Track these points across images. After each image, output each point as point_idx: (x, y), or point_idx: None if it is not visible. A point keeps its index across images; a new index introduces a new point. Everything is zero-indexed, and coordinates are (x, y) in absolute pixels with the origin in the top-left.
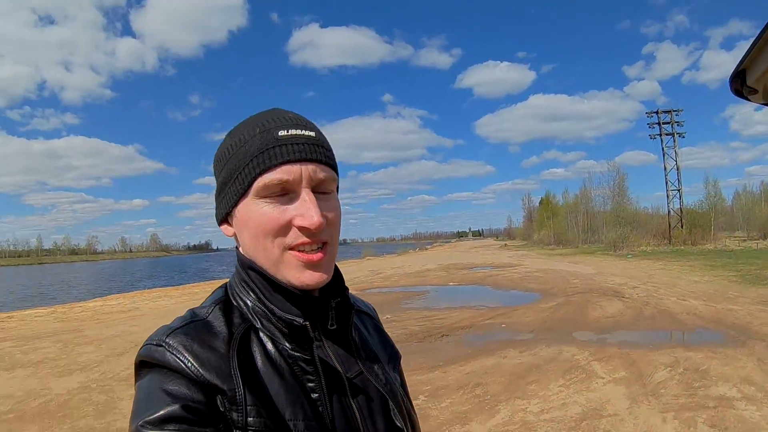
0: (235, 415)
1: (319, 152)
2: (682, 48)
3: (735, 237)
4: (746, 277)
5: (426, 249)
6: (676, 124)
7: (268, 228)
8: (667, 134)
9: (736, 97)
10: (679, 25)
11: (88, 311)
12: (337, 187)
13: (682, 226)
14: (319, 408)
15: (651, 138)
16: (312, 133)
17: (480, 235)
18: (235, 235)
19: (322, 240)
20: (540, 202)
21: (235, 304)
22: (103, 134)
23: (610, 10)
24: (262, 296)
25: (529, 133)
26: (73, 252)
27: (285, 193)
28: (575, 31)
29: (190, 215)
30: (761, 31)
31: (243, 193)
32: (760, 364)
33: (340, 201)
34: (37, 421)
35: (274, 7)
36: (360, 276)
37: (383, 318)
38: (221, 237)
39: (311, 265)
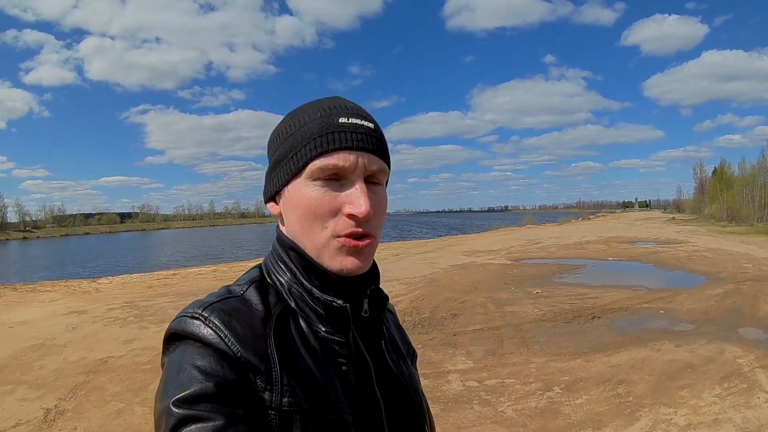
0: (268, 395)
1: (376, 144)
2: None
3: None
4: None
5: (589, 219)
6: None
7: (317, 211)
8: None
9: None
10: None
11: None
12: (387, 181)
13: None
14: (351, 393)
15: None
16: (371, 125)
17: (647, 206)
18: (280, 214)
19: (367, 231)
20: (713, 173)
21: (270, 282)
22: (268, 107)
23: None
24: (300, 276)
25: (702, 94)
26: (243, 215)
27: (338, 179)
28: None
29: None
30: None
31: (296, 174)
32: None
33: (502, 168)
34: None
35: None
36: (516, 245)
37: (533, 293)
38: (389, 203)
39: (354, 252)
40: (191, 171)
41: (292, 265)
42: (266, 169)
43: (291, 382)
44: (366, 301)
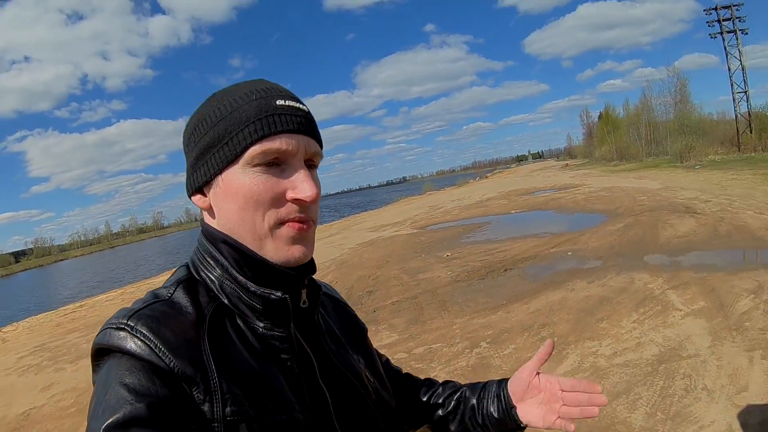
0: (208, 407)
1: (313, 127)
2: None
3: None
4: None
5: (486, 177)
6: (737, 20)
7: (259, 198)
8: (728, 32)
9: None
10: None
11: (157, 287)
12: None
13: (751, 131)
14: (296, 389)
15: (711, 37)
16: (306, 108)
17: (540, 157)
18: (209, 207)
19: (310, 216)
20: (599, 117)
21: (200, 280)
22: (152, 113)
23: None
24: (233, 270)
25: (581, 45)
26: (141, 230)
27: (278, 163)
28: None
29: None
30: None
31: (232, 160)
32: None
33: (395, 140)
34: None
35: None
36: (420, 213)
37: (444, 256)
38: None
39: (301, 239)
40: (80, 193)
41: (223, 259)
42: (188, 160)
43: (232, 389)
44: (304, 291)
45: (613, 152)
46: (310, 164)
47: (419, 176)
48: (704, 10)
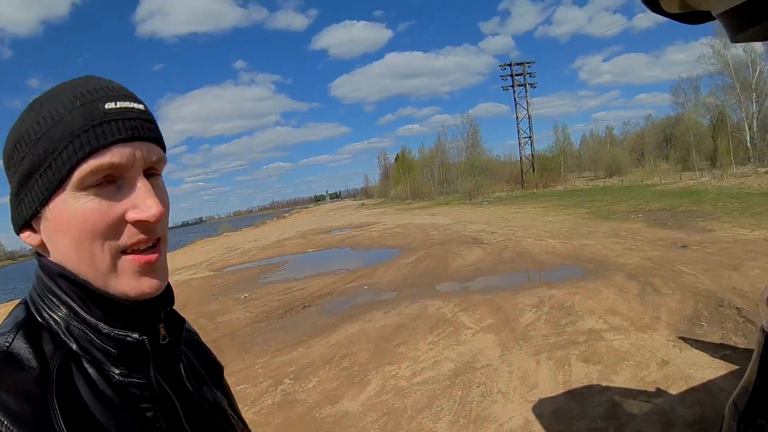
0: None
1: (151, 129)
2: (537, 3)
3: (583, 177)
4: (597, 213)
5: (284, 217)
6: (528, 75)
7: (95, 228)
8: (519, 85)
9: (646, 6)
10: None
11: None
12: None
13: (533, 171)
14: None
15: (504, 89)
16: (141, 106)
17: (338, 197)
18: (41, 244)
19: (157, 235)
20: (396, 158)
21: (42, 322)
22: None
23: None
24: (79, 310)
25: (384, 91)
26: None
27: (111, 181)
28: None
29: None
30: None
31: (59, 186)
32: (621, 293)
33: (194, 179)
34: None
35: None
36: (216, 255)
37: (241, 298)
38: None
39: (149, 269)
40: None
41: (66, 297)
42: (11, 189)
43: None
44: (162, 326)
45: (407, 191)
46: (152, 173)
47: (216, 216)
48: (500, 65)
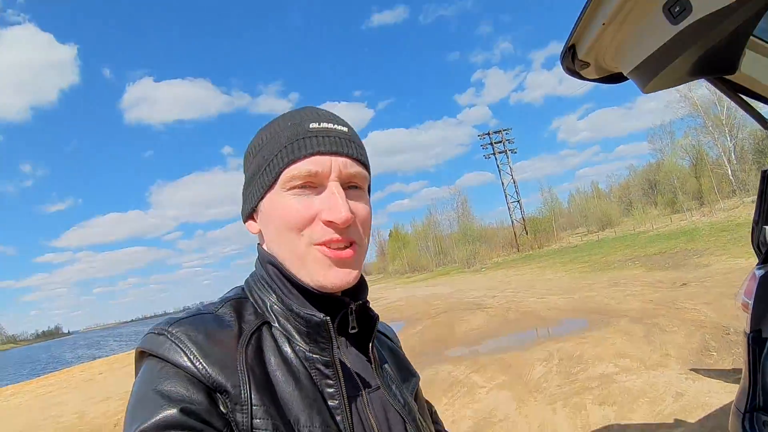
0: (239, 416)
1: (351, 147)
2: (508, 72)
3: (577, 233)
4: (595, 265)
5: None
6: (507, 142)
7: (292, 221)
8: (500, 152)
9: (570, 76)
10: (504, 52)
11: None
12: (369, 189)
13: (526, 233)
14: (338, 417)
15: (486, 158)
16: (345, 128)
17: None
18: (260, 232)
19: (350, 239)
20: (389, 235)
21: (251, 301)
22: None
23: (439, 44)
24: (281, 293)
25: (371, 169)
26: None
27: (313, 186)
28: (407, 66)
29: (34, 298)
30: (585, 4)
31: (270, 186)
32: (628, 337)
33: (191, 264)
34: None
35: (105, 62)
36: None
37: None
38: (72, 319)
39: (339, 263)
40: None
41: (272, 281)
42: (243, 188)
43: (264, 402)
44: (352, 318)
45: (405, 265)
46: (353, 185)
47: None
48: (479, 135)
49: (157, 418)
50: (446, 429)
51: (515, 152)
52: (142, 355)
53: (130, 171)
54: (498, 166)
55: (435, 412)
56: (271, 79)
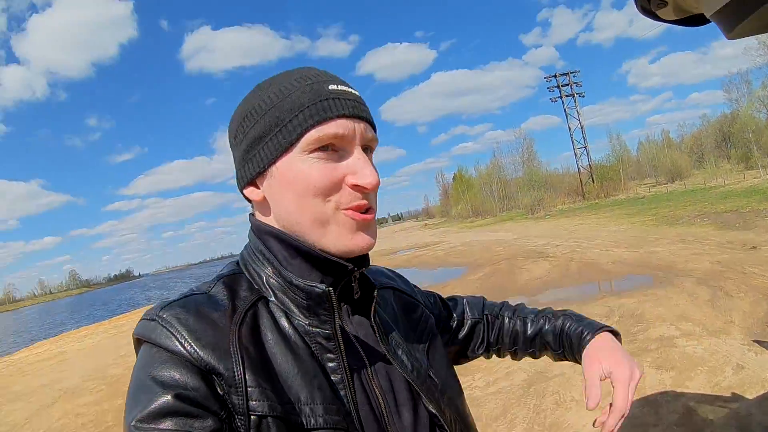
0: (235, 399)
1: (367, 112)
2: (575, 11)
3: (645, 184)
4: (662, 219)
5: None
6: (574, 85)
7: (320, 184)
8: (567, 96)
9: (644, 16)
10: None
11: (14, 365)
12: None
13: (593, 181)
14: (341, 391)
15: (552, 101)
16: (357, 92)
17: (400, 218)
18: (263, 199)
19: (371, 204)
20: (453, 178)
21: (247, 276)
22: (0, 173)
23: None
24: (279, 266)
25: (435, 111)
26: None
27: (336, 149)
28: (470, 5)
29: (106, 245)
30: None
31: (287, 148)
32: (692, 299)
33: None
34: None
35: (162, 14)
36: None
37: None
38: (142, 263)
39: (364, 227)
40: None
41: (270, 254)
42: (237, 153)
43: (260, 382)
44: (355, 285)
45: (468, 210)
46: (367, 150)
47: None
48: (545, 78)
49: (153, 405)
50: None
51: (583, 96)
52: (138, 342)
53: (194, 119)
54: (565, 110)
55: (451, 298)
56: (330, 21)
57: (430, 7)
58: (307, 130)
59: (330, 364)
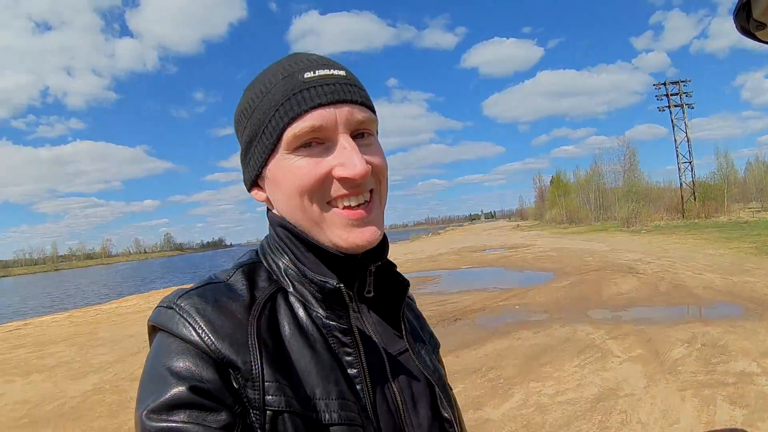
0: (251, 393)
1: (353, 92)
2: (690, 16)
3: (749, 208)
4: (763, 248)
5: (438, 233)
6: (684, 95)
7: (304, 184)
8: (675, 106)
9: (741, 35)
10: None
11: (104, 314)
12: (377, 131)
13: (695, 199)
14: (357, 386)
15: (660, 110)
16: (342, 72)
17: (492, 216)
18: (267, 200)
19: (367, 188)
20: (551, 181)
21: (265, 265)
22: (109, 137)
23: None
24: (294, 257)
25: (538, 110)
26: (89, 256)
27: (320, 142)
28: (581, 3)
29: (202, 212)
30: None
31: (272, 150)
32: None
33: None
34: (51, 424)
35: None
36: None
37: None
38: (234, 233)
39: (359, 222)
40: (29, 210)
41: (285, 246)
42: (240, 155)
43: (277, 377)
44: (370, 281)
45: (563, 215)
46: (362, 133)
47: None
48: (654, 85)
49: (166, 396)
50: None
51: (692, 107)
52: (153, 330)
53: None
54: (672, 121)
55: None
56: (438, 11)
57: (540, 3)
58: (283, 129)
59: (347, 358)
